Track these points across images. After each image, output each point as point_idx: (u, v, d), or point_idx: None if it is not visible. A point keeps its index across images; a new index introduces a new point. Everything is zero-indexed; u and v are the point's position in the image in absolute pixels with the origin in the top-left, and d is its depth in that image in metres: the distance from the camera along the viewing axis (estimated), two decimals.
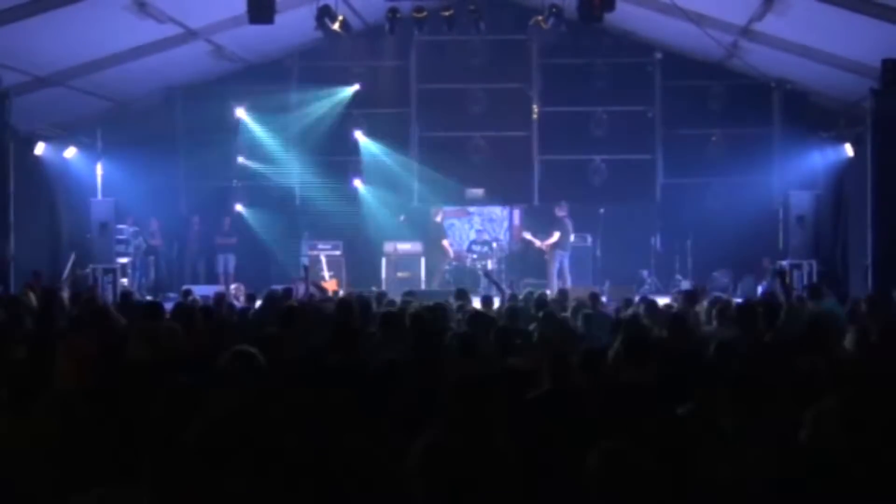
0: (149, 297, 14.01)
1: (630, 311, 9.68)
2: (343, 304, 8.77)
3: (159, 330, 6.33)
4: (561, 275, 16.04)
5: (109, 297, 14.01)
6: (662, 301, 11.05)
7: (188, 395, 4.00)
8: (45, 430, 3.63)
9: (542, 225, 16.95)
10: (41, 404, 3.84)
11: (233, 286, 15.93)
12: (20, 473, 3.47)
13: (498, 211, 18.64)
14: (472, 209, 18.43)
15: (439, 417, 4.02)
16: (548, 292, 14.11)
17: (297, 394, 4.45)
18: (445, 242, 17.21)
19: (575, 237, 16.56)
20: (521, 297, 10.86)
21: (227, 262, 17.28)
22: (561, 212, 16.38)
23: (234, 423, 3.49)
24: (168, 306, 8.71)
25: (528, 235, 16.79)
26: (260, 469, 3.40)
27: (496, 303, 11.07)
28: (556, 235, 16.15)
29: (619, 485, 3.06)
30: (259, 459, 3.43)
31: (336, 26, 13.98)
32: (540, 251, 16.65)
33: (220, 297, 11.36)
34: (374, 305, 9.63)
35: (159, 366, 5.11)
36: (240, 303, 12.25)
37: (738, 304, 8.79)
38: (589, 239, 17.17)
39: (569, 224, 16.30)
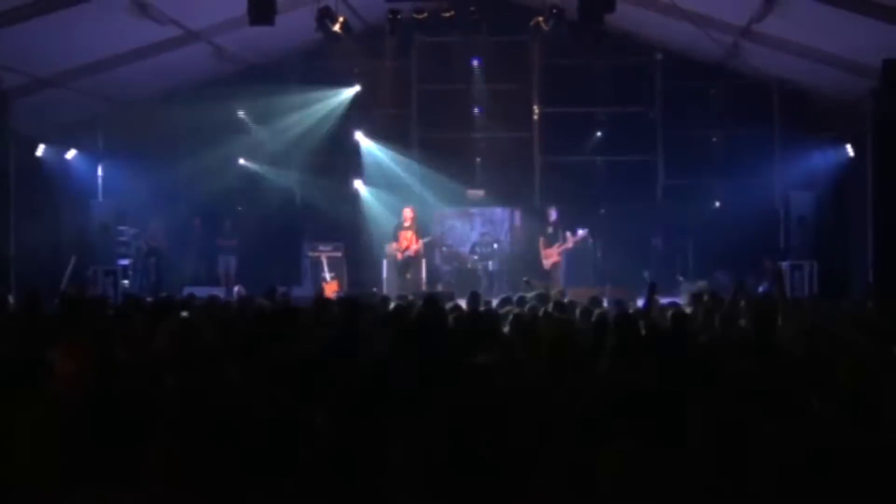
0: (149, 299, 14.00)
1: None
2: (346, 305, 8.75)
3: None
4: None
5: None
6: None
7: (187, 394, 4.01)
8: (43, 430, 3.64)
9: (542, 226, 17.01)
10: (38, 403, 3.85)
11: (235, 288, 15.90)
12: (17, 473, 3.48)
13: (499, 212, 18.64)
14: (473, 210, 18.44)
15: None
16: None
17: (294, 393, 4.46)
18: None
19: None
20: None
21: (229, 263, 17.27)
22: (555, 215, 16.52)
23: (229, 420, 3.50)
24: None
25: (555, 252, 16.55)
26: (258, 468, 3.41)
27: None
28: (573, 235, 16.28)
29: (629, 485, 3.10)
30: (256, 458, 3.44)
31: (336, 27, 14.00)
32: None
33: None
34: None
35: (158, 365, 5.12)
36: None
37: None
38: (590, 240, 17.19)
39: None
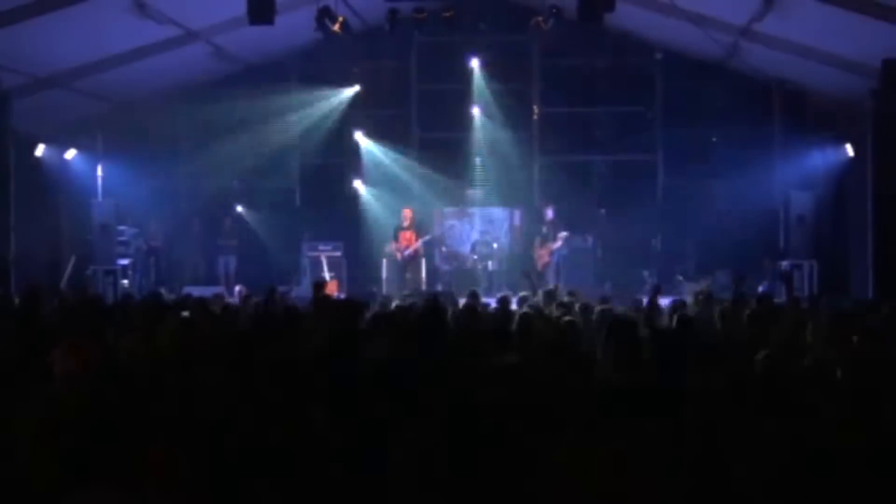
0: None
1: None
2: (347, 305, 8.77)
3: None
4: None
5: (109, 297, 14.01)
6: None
7: (187, 394, 4.01)
8: (41, 429, 3.64)
9: (540, 226, 17.04)
10: (37, 402, 3.85)
11: (236, 288, 15.86)
12: (15, 472, 3.48)
13: (499, 212, 18.62)
14: (472, 210, 18.43)
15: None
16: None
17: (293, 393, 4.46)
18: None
19: (576, 238, 16.63)
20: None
21: (228, 263, 17.27)
22: (552, 214, 16.48)
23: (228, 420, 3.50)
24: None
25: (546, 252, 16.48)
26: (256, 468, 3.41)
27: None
28: (563, 235, 16.22)
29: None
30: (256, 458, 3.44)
31: (336, 27, 13.99)
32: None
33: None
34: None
35: (157, 364, 5.12)
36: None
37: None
38: (590, 240, 17.18)
39: None
